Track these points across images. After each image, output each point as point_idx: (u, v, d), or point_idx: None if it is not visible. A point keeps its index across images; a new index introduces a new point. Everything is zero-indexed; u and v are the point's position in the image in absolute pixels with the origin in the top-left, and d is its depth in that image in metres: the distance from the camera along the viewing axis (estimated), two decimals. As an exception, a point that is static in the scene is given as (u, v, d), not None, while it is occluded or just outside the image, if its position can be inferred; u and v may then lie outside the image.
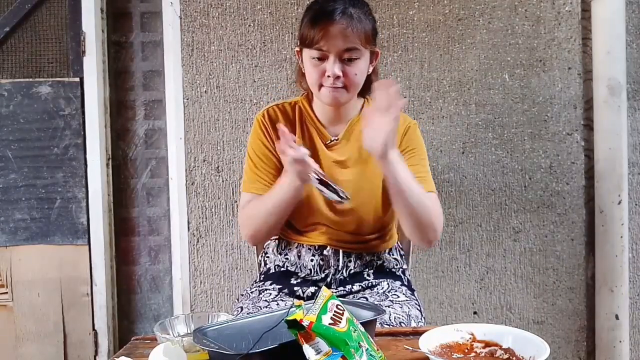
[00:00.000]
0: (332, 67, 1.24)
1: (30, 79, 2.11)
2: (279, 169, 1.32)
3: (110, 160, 2.16)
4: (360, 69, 1.28)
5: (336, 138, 1.37)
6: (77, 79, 2.10)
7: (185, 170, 2.07)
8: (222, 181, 2.07)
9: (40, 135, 2.11)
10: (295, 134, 1.34)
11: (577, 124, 2.04)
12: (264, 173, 1.35)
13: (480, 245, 2.05)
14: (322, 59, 1.26)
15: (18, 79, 2.11)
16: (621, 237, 2.02)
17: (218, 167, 2.07)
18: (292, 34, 2.04)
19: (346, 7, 1.25)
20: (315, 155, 1.32)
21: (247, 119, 2.06)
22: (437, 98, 2.04)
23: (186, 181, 2.07)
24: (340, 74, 1.25)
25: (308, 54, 1.28)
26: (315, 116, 1.39)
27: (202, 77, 2.06)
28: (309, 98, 1.41)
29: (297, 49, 1.34)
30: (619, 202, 2.01)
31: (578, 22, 2.02)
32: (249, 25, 2.05)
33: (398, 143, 1.34)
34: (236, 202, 2.07)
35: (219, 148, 2.07)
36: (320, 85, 1.28)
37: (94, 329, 2.14)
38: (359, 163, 1.35)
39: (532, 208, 2.05)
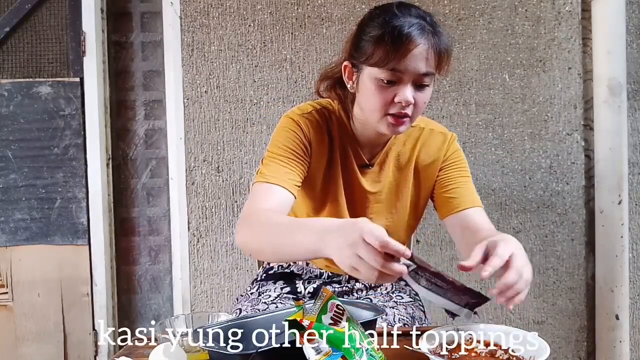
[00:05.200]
0: (406, 92, 1.08)
1: (30, 79, 2.11)
2: (305, 172, 1.20)
3: (110, 160, 2.16)
4: (429, 96, 1.13)
5: (371, 164, 1.25)
6: (77, 79, 2.10)
7: (185, 170, 2.07)
8: (222, 181, 2.07)
9: (40, 135, 2.11)
10: (329, 150, 1.23)
11: (577, 124, 2.04)
12: (295, 168, 1.17)
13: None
14: (393, 81, 1.08)
15: (18, 79, 2.11)
16: (621, 237, 2.02)
17: (218, 167, 2.07)
18: (292, 34, 2.04)
19: (423, 24, 1.07)
20: (348, 181, 1.24)
21: (247, 119, 2.06)
22: (437, 98, 2.04)
23: (186, 181, 2.07)
24: (413, 100, 1.09)
25: (374, 74, 1.09)
26: (354, 134, 1.24)
27: (202, 77, 2.06)
28: (345, 109, 1.24)
29: (347, 64, 1.15)
30: (619, 202, 2.01)
31: (578, 22, 2.02)
32: (249, 25, 2.05)
33: (443, 152, 1.28)
34: (236, 202, 2.07)
35: (219, 148, 2.07)
36: (385, 113, 1.11)
37: (94, 329, 2.14)
38: (391, 194, 1.27)
39: (532, 208, 2.05)
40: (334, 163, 1.24)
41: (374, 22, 1.10)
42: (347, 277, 1.35)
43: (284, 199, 1.13)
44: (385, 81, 1.08)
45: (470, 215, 1.22)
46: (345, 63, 1.16)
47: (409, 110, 1.10)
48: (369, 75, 1.10)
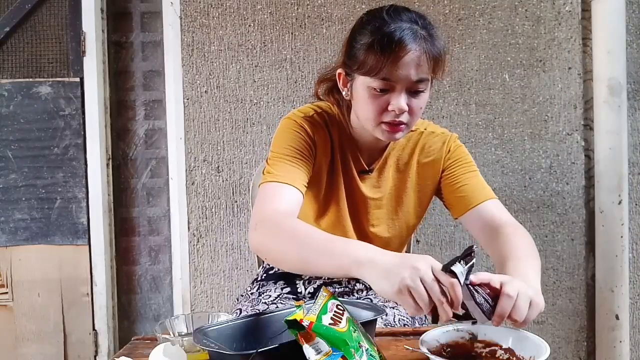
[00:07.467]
0: (399, 100, 1.06)
1: (30, 79, 2.11)
2: (310, 173, 1.18)
3: (110, 160, 2.16)
4: (425, 101, 1.11)
5: (370, 170, 1.24)
6: (77, 79, 2.10)
7: (185, 170, 2.07)
8: (222, 181, 2.07)
9: (41, 135, 2.11)
10: (332, 154, 1.22)
11: (577, 124, 2.04)
12: (303, 168, 1.15)
13: (480, 245, 2.05)
14: (386, 89, 1.07)
15: (18, 79, 2.11)
16: (621, 237, 2.02)
17: (218, 167, 2.07)
18: (292, 34, 2.04)
19: (415, 29, 1.04)
20: (349, 186, 1.24)
21: (247, 119, 2.06)
22: (437, 98, 2.04)
23: (186, 181, 2.07)
24: (407, 108, 1.07)
25: (367, 83, 1.07)
26: (354, 138, 1.23)
27: (202, 77, 2.06)
28: (344, 113, 1.23)
29: (341, 71, 1.15)
30: (619, 202, 2.01)
31: (578, 22, 2.02)
32: (249, 25, 2.05)
33: (444, 153, 1.26)
34: (236, 202, 2.07)
35: (219, 148, 2.07)
36: (379, 121, 1.10)
37: (94, 329, 2.14)
38: (392, 199, 1.27)
39: (532, 208, 2.05)
40: (336, 168, 1.23)
41: (364, 29, 1.08)
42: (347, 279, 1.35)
43: (296, 199, 1.12)
44: (378, 89, 1.06)
45: (485, 210, 1.20)
46: (339, 70, 1.16)
47: (403, 118, 1.08)
48: (362, 84, 1.08)
